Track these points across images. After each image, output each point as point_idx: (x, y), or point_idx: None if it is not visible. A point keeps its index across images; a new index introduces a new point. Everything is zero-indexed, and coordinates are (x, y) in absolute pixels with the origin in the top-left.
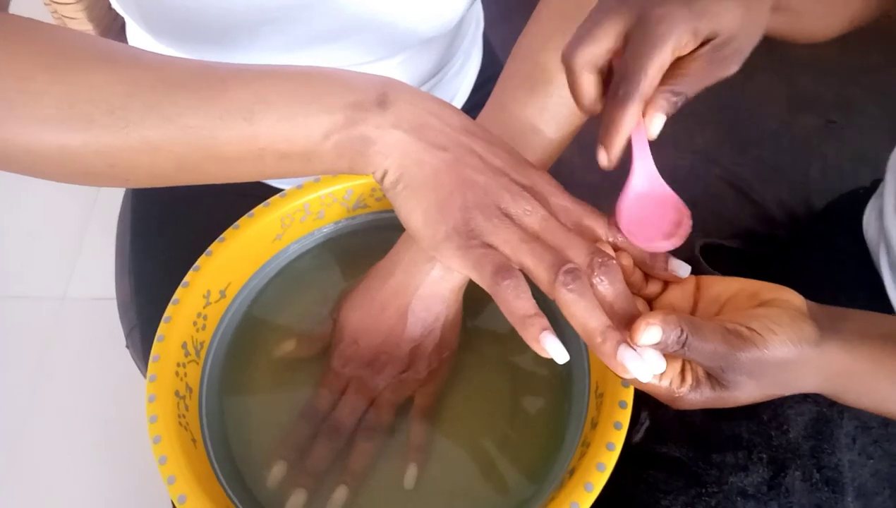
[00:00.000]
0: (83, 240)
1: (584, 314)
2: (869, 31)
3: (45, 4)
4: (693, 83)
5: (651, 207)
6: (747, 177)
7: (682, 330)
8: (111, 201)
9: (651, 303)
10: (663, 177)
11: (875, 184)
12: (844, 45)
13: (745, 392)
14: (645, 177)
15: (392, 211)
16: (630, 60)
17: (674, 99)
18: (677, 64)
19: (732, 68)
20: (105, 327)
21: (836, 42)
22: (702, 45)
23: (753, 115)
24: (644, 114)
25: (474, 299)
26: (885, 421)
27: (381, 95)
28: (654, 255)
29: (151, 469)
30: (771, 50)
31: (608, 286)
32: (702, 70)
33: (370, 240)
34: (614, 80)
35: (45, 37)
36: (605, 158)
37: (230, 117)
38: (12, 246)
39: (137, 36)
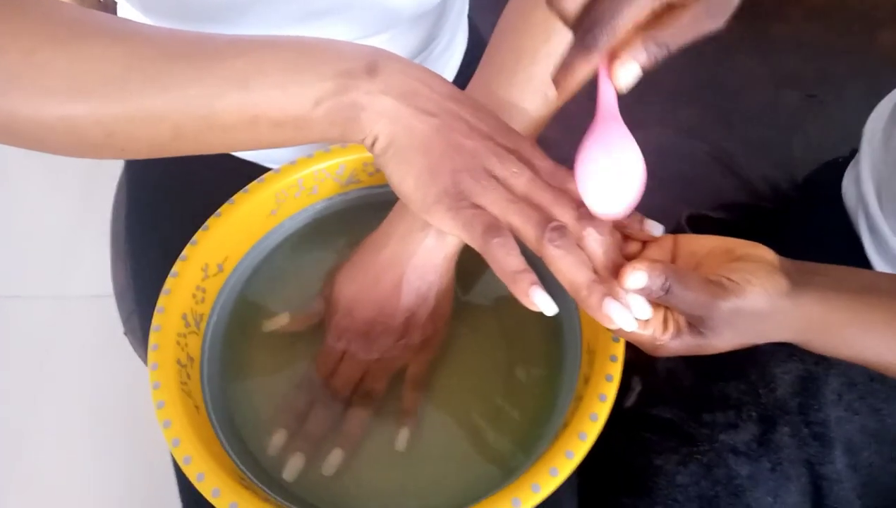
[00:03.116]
0: (78, 239)
1: (570, 269)
2: (848, 10)
3: None
4: (680, 35)
5: (613, 167)
6: (732, 152)
7: (665, 278)
8: (105, 198)
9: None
10: (650, 153)
11: (853, 153)
12: (824, 23)
13: (724, 340)
14: (610, 129)
15: (384, 185)
16: (608, 1)
17: (655, 50)
18: (664, 13)
19: (722, 20)
20: (103, 324)
21: (816, 20)
22: None
23: (736, 92)
24: (615, 59)
25: (466, 269)
26: (869, 377)
27: (371, 63)
28: (629, 217)
29: (154, 463)
30: (752, 28)
31: (597, 236)
32: (693, 21)
33: (363, 214)
34: (584, 21)
35: (46, 10)
36: (553, 92)
37: (226, 86)
38: (7, 246)
39: (130, 16)
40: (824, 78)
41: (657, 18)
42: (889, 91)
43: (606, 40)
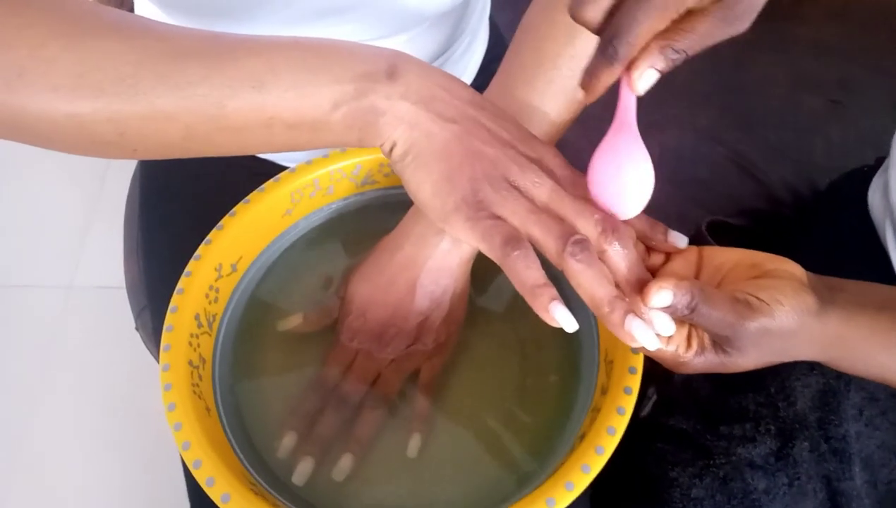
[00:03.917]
0: (89, 229)
1: (591, 284)
2: (870, 12)
3: None
4: (699, 41)
5: (623, 169)
6: (751, 157)
7: (692, 296)
8: (117, 189)
9: (655, 274)
10: (669, 156)
11: (879, 161)
12: (846, 26)
13: (748, 358)
14: (622, 137)
15: (401, 186)
16: (627, 11)
17: (673, 56)
18: (684, 17)
19: (744, 25)
20: (112, 315)
21: (838, 23)
22: None
23: (757, 96)
24: (633, 67)
25: (481, 274)
26: (892, 393)
27: (391, 67)
28: (653, 227)
29: (161, 456)
30: (773, 30)
31: (620, 250)
32: (712, 28)
33: (379, 215)
34: (607, 28)
35: (55, 5)
36: (584, 96)
37: (239, 86)
38: (18, 235)
39: (146, 11)
40: (846, 81)
41: (676, 23)
42: None
43: (627, 52)
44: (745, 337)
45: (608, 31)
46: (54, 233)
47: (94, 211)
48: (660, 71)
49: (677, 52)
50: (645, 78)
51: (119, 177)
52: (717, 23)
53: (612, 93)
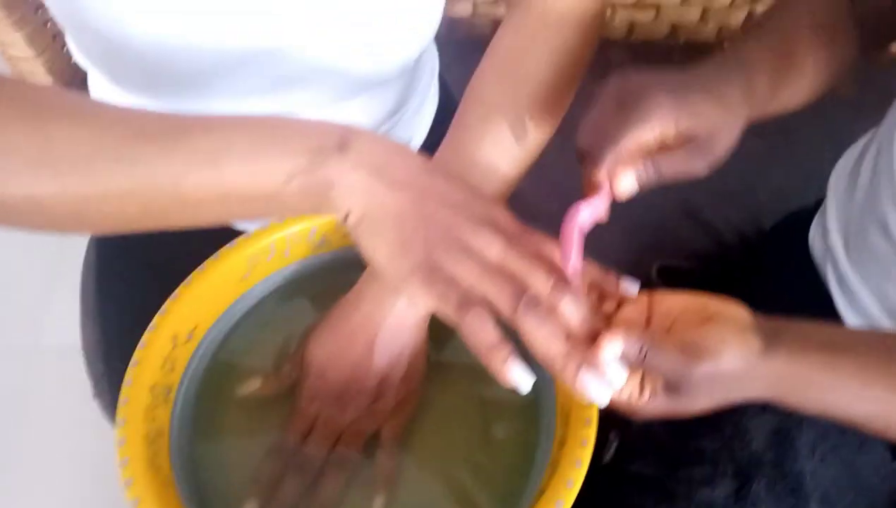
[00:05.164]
0: (53, 290)
1: (544, 341)
2: None
3: (7, 60)
4: (672, 165)
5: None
6: (698, 202)
7: (641, 345)
8: (78, 250)
9: (608, 320)
10: (621, 205)
11: (818, 203)
12: None
13: (699, 401)
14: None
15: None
16: (615, 126)
17: (651, 169)
18: (658, 151)
19: (706, 167)
20: (79, 375)
21: None
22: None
23: None
24: (616, 173)
25: (438, 329)
26: (841, 429)
27: (342, 139)
28: (605, 275)
29: None
30: None
31: (571, 304)
32: (683, 157)
33: (336, 276)
34: (595, 142)
35: (12, 91)
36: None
37: (195, 163)
38: None
39: (100, 87)
40: (786, 127)
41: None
42: (846, 135)
43: (612, 159)
44: (693, 381)
45: (595, 140)
46: (17, 294)
47: (57, 270)
48: (638, 178)
49: (655, 166)
50: (626, 180)
51: (79, 237)
52: (687, 155)
53: (557, 150)
